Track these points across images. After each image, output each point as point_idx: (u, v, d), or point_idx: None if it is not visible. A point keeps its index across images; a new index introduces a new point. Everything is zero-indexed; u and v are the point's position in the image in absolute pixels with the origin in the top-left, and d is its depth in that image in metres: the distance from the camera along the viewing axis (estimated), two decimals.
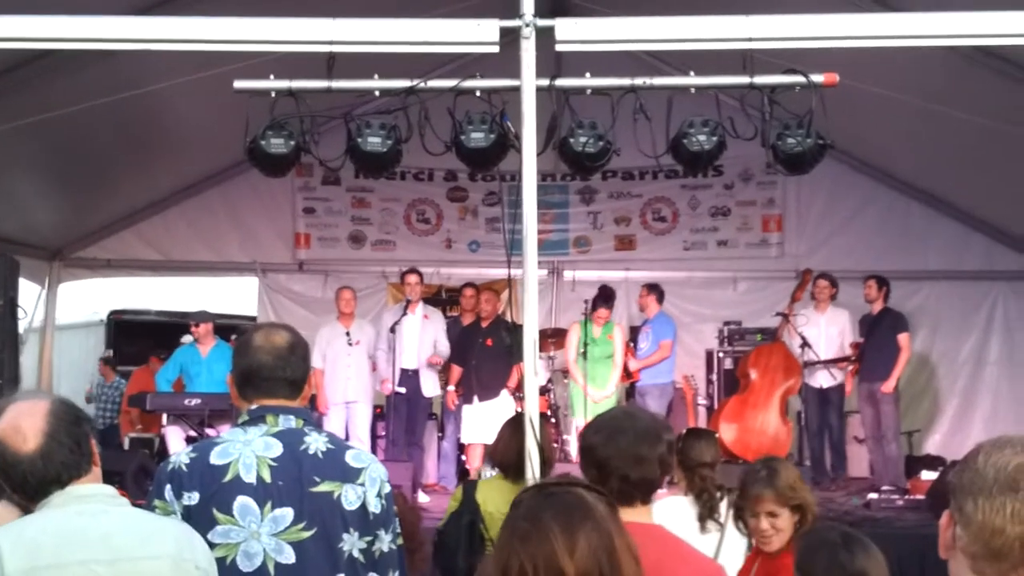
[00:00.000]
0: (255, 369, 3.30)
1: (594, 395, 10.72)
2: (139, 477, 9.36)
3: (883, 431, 11.01)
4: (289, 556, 3.10)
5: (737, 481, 4.56)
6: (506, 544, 2.17)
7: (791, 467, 4.45)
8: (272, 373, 3.29)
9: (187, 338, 11.61)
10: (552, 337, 12.35)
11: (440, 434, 11.88)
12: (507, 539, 2.18)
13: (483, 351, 11.07)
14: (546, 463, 5.28)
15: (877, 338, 11.12)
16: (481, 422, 10.58)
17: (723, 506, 5.07)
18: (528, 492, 2.29)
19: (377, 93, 6.19)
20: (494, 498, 5.46)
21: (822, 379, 11.37)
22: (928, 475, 10.86)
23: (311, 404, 10.66)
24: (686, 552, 3.23)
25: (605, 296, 11.23)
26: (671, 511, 4.95)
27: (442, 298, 13.55)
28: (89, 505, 2.75)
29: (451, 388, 11.30)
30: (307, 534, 3.12)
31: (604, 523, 2.16)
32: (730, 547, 5.01)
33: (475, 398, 10.93)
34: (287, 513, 3.12)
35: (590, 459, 3.28)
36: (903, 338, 11.09)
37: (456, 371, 11.32)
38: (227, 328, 11.79)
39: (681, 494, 5.12)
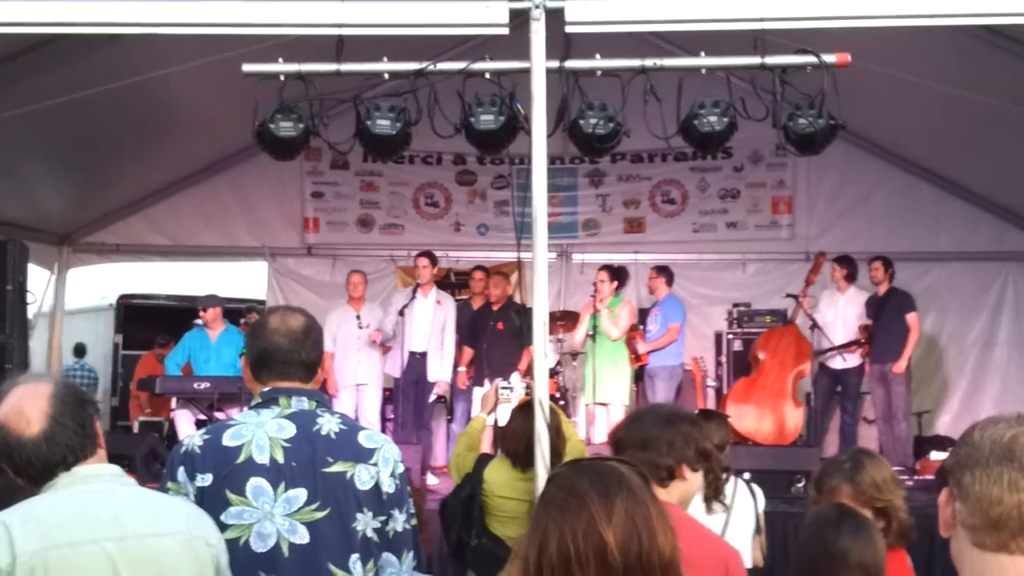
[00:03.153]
0: (270, 351, 3.32)
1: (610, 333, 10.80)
2: (149, 460, 9.38)
3: (894, 411, 11.03)
4: (303, 536, 3.12)
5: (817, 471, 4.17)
6: (542, 514, 2.18)
7: (882, 464, 3.96)
8: (287, 356, 3.31)
9: (200, 321, 11.63)
10: (561, 320, 12.34)
11: (449, 417, 11.91)
12: (543, 510, 2.19)
13: (494, 334, 11.12)
14: (556, 453, 5.28)
15: (885, 319, 11.13)
16: None
17: (728, 488, 5.07)
18: (563, 466, 2.32)
19: (386, 76, 6.20)
20: (500, 480, 5.49)
21: (839, 360, 11.34)
22: (937, 455, 10.89)
23: (322, 387, 10.66)
24: (701, 532, 3.25)
25: (607, 266, 11.35)
26: None
27: (451, 281, 13.54)
28: (97, 485, 2.76)
29: (461, 369, 11.35)
30: (321, 514, 3.13)
31: (640, 491, 2.18)
32: (736, 529, 5.02)
33: (486, 381, 10.96)
34: (300, 494, 3.13)
35: (611, 440, 3.44)
36: (911, 318, 11.10)
37: (467, 353, 11.37)
38: (237, 312, 11.81)
39: None
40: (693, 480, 3.38)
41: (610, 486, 2.16)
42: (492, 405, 6.06)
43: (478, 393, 11.03)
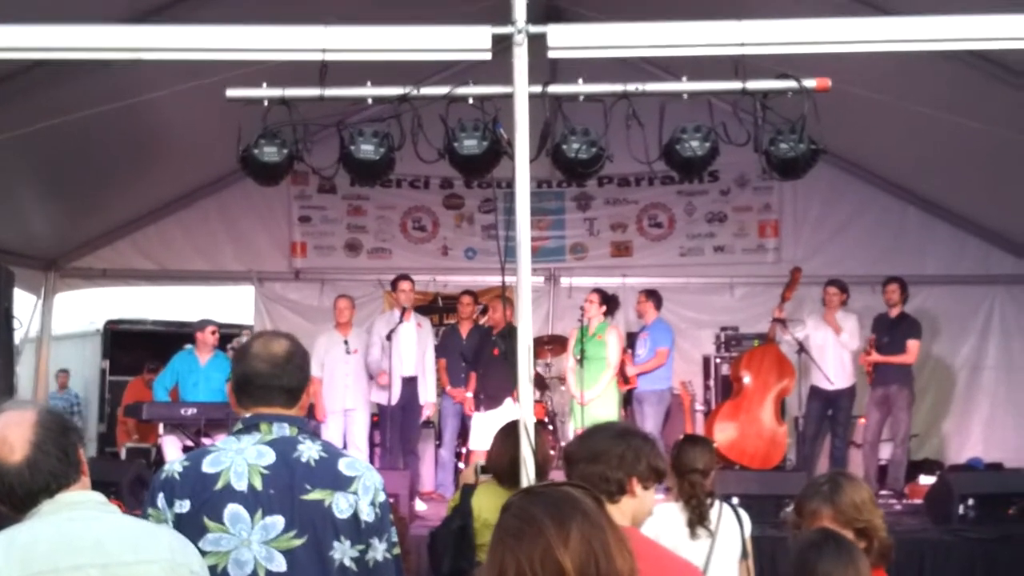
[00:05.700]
0: (250, 377, 3.31)
1: (582, 397, 10.68)
2: (135, 487, 9.32)
3: (893, 434, 11.08)
4: (280, 564, 3.10)
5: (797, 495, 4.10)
6: (499, 544, 2.19)
7: (860, 485, 3.96)
8: (267, 381, 3.29)
9: (190, 345, 11.57)
10: (548, 344, 12.33)
11: (437, 442, 11.88)
12: (500, 540, 2.20)
13: (490, 360, 11.05)
14: (541, 469, 5.26)
15: (894, 343, 11.14)
16: (487, 430, 10.54)
17: (713, 513, 5.06)
18: (517, 495, 2.32)
19: (370, 101, 6.17)
20: (488, 504, 5.45)
21: (828, 382, 11.28)
22: (926, 480, 10.88)
23: (310, 413, 10.66)
24: (660, 554, 3.23)
25: (599, 290, 11.29)
26: (661, 518, 4.95)
27: (439, 306, 13.54)
28: (80, 511, 2.75)
29: (468, 395, 11.32)
30: (298, 542, 3.12)
31: (594, 515, 2.19)
32: (721, 554, 5.00)
33: (481, 407, 10.94)
34: (278, 521, 3.12)
35: (564, 456, 3.49)
36: (912, 344, 11.12)
37: (473, 378, 11.35)
38: (225, 337, 11.78)
39: (673, 500, 5.12)
40: (645, 498, 3.36)
41: (564, 512, 2.17)
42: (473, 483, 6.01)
43: (477, 419, 10.99)
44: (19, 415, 2.81)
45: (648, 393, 11.14)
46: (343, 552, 3.16)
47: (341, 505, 3.18)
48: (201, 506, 3.10)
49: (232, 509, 3.10)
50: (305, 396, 3.40)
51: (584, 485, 2.32)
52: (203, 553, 3.01)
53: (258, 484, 3.13)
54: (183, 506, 3.10)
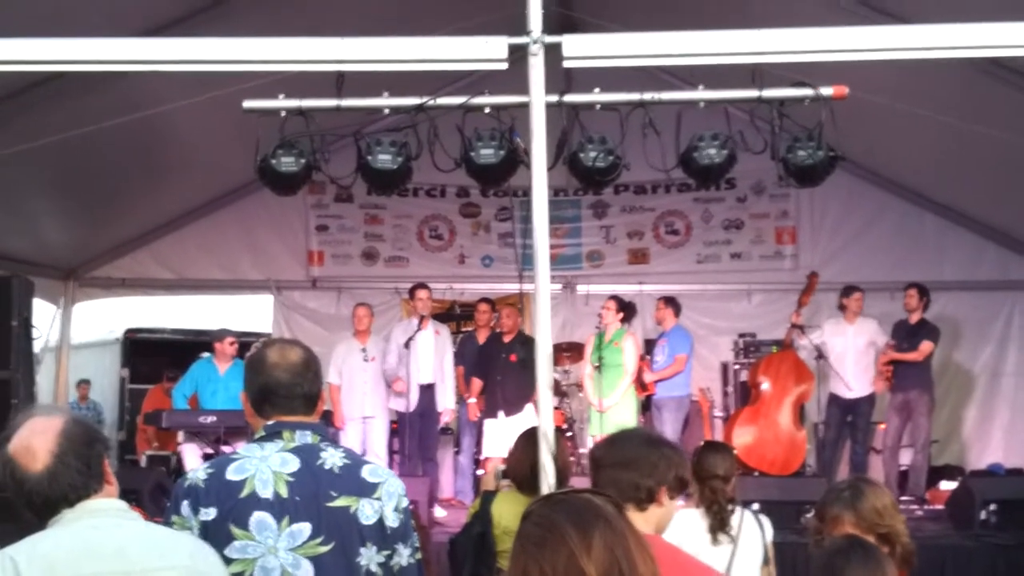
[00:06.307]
0: (272, 387, 3.31)
1: (601, 404, 10.68)
2: (156, 495, 9.37)
3: (914, 440, 11.06)
4: (307, 571, 3.11)
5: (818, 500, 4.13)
6: (521, 552, 2.19)
7: (882, 491, 3.98)
8: (290, 390, 3.31)
9: (207, 354, 11.61)
10: (566, 351, 12.34)
11: (456, 448, 11.89)
12: (522, 547, 2.20)
13: (507, 366, 11.05)
14: (561, 476, 5.27)
15: (913, 348, 11.12)
16: (502, 436, 10.55)
17: (735, 519, 5.06)
18: (537, 503, 2.32)
19: (387, 111, 6.19)
20: (508, 511, 5.46)
21: (847, 390, 11.26)
22: (947, 485, 10.85)
23: (328, 420, 10.70)
24: (683, 561, 3.24)
25: (616, 297, 11.30)
26: (682, 524, 4.95)
27: (456, 313, 13.55)
28: (102, 519, 2.77)
29: (472, 400, 11.32)
30: (325, 549, 3.12)
31: (616, 522, 2.19)
32: (743, 560, 5.00)
33: (500, 413, 10.92)
34: (304, 528, 3.13)
35: (591, 460, 3.48)
36: (925, 344, 11.10)
37: (477, 384, 11.34)
38: (244, 346, 11.83)
39: (694, 507, 5.13)
40: (669, 506, 3.37)
41: (587, 519, 2.17)
42: (493, 489, 6.02)
43: (489, 425, 10.99)
44: (45, 423, 2.83)
45: (667, 399, 11.15)
46: (369, 558, 3.18)
47: (366, 511, 3.19)
48: (227, 514, 3.10)
49: (258, 516, 3.11)
50: (321, 402, 3.42)
51: (604, 492, 2.32)
52: (229, 561, 3.03)
53: (284, 491, 3.14)
54: (209, 514, 3.11)
